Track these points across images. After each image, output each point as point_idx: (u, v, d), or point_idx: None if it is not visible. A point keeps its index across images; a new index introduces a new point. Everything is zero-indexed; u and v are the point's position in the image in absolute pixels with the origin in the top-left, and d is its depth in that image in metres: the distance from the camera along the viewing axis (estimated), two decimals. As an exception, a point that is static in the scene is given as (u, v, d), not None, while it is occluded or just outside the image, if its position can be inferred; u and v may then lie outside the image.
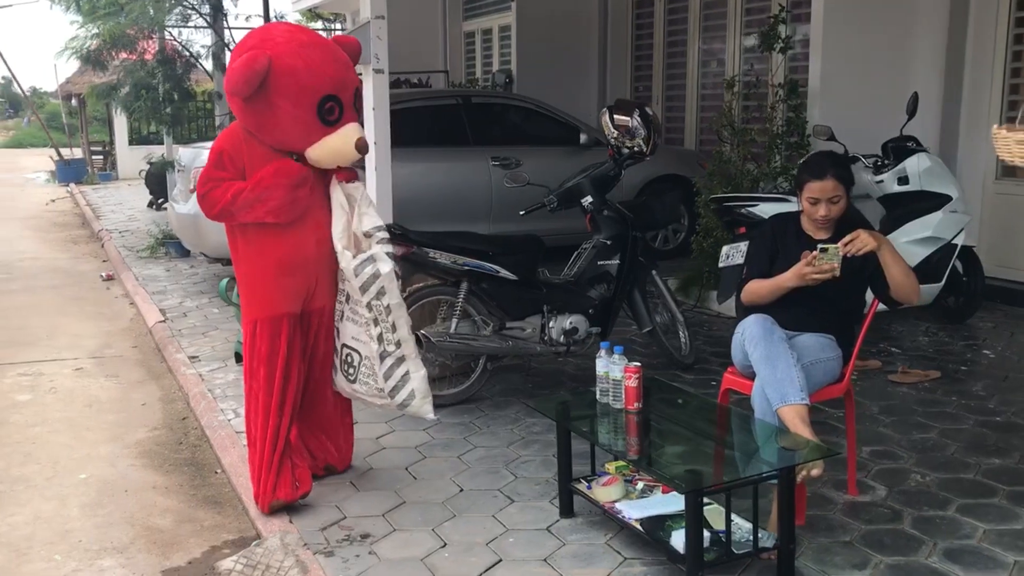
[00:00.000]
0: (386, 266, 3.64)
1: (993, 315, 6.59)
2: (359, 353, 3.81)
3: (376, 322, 3.69)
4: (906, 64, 7.23)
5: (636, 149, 5.24)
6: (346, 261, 3.64)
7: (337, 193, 3.72)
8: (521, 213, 5.48)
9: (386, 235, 3.72)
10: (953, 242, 6.01)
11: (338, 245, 3.66)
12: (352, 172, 3.81)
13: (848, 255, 3.38)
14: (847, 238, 3.39)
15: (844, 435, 3.94)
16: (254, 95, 3.49)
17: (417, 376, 3.77)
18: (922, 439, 4.35)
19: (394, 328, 3.70)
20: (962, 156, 7.10)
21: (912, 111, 6.18)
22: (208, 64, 10.24)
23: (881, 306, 3.74)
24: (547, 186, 5.46)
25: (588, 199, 5.26)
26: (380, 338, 3.70)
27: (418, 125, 8.11)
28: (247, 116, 3.59)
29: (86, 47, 9.61)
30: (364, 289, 3.65)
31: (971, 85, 7.11)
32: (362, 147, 3.69)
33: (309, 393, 3.90)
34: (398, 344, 3.72)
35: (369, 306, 3.68)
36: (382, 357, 3.71)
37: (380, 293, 3.64)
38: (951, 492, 3.75)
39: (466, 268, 4.78)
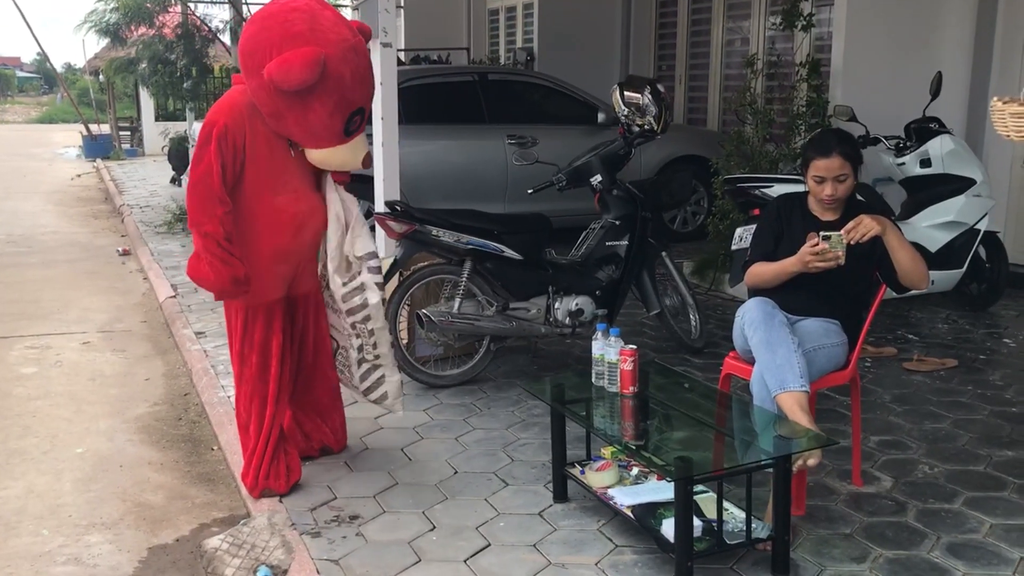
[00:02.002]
0: (374, 297, 3.63)
1: (1017, 303, 6.41)
2: (336, 341, 3.87)
3: (358, 336, 3.75)
4: (932, 43, 7.02)
5: (647, 127, 5.11)
6: (336, 286, 3.63)
7: (335, 201, 3.64)
8: (530, 192, 5.39)
9: (378, 263, 3.67)
10: (976, 227, 5.86)
11: (330, 266, 3.62)
12: (345, 175, 3.72)
13: (852, 243, 3.26)
14: (850, 225, 3.27)
15: (851, 423, 3.82)
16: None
17: (392, 380, 3.85)
18: (933, 429, 4.22)
19: (375, 346, 3.76)
20: (989, 139, 6.89)
21: (936, 91, 6.01)
22: (227, 39, 10.18)
23: (900, 294, 3.61)
24: (557, 164, 5.36)
25: (597, 178, 5.15)
26: (360, 348, 3.76)
27: (433, 102, 8.03)
28: (271, 101, 3.35)
29: (105, 20, 9.58)
30: (351, 313, 3.69)
31: (1000, 65, 6.89)
32: (368, 163, 3.67)
33: (304, 377, 3.85)
34: (376, 357, 3.79)
35: (353, 326, 3.72)
36: (359, 363, 3.79)
37: (366, 319, 3.67)
38: (959, 484, 3.63)
39: (470, 247, 4.70)
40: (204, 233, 3.34)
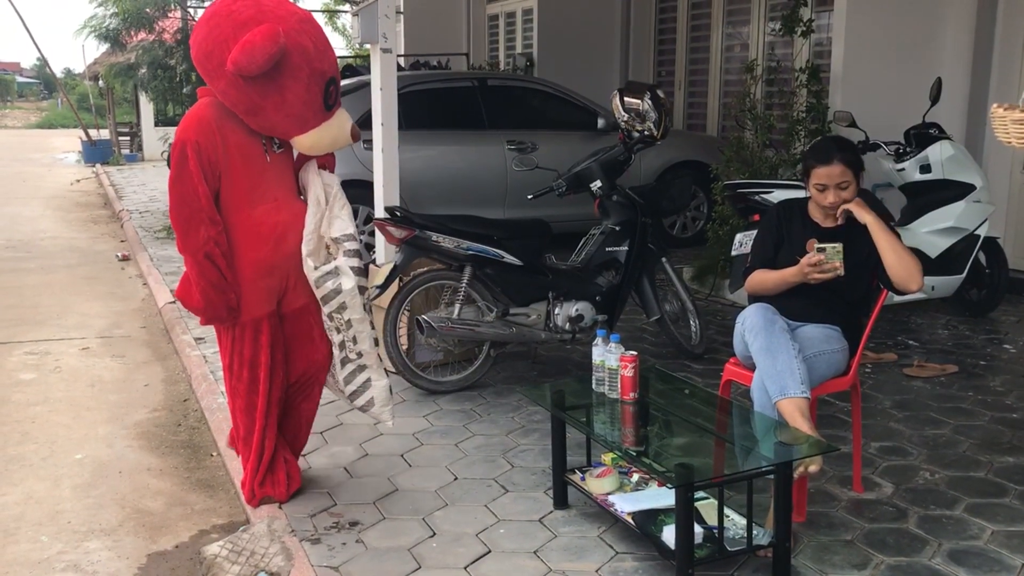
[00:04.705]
0: (349, 282, 3.44)
1: (1017, 309, 6.41)
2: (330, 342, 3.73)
3: (337, 331, 3.58)
4: (931, 49, 7.03)
5: (647, 133, 5.12)
6: (308, 270, 3.45)
7: (316, 185, 3.52)
8: (529, 197, 5.38)
9: (355, 246, 3.49)
10: (976, 233, 5.86)
11: (304, 249, 3.45)
12: (331, 157, 3.67)
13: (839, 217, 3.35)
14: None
15: (851, 429, 3.81)
16: (263, 74, 3.21)
17: (378, 385, 3.67)
18: (934, 435, 4.22)
19: (355, 341, 3.58)
20: (988, 144, 6.89)
21: (935, 97, 6.02)
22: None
23: (900, 298, 3.60)
24: (557, 170, 5.36)
25: (597, 184, 5.15)
26: (342, 345, 3.59)
27: (433, 107, 8.04)
28: (244, 95, 3.27)
29: (104, 26, 9.59)
30: (325, 301, 3.50)
31: (999, 71, 6.89)
32: (356, 134, 3.57)
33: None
34: (359, 355, 3.61)
35: (331, 316, 3.55)
36: (343, 363, 3.62)
37: (341, 308, 3.48)
38: (960, 491, 3.62)
39: (470, 252, 4.69)
40: (202, 258, 3.27)
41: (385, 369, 3.74)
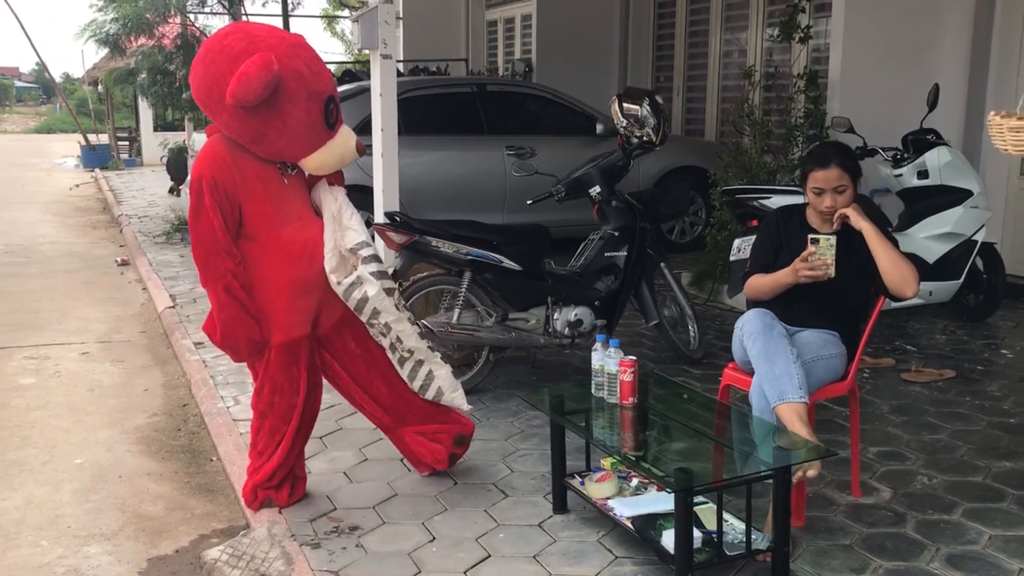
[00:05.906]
0: (373, 288, 3.47)
1: (1014, 314, 6.43)
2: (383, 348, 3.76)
3: (382, 335, 3.62)
4: (929, 55, 7.06)
5: (645, 139, 5.13)
6: (334, 286, 3.49)
7: (330, 202, 3.57)
8: (528, 203, 5.39)
9: (371, 251, 3.52)
10: (973, 238, 5.88)
11: (327, 266, 3.48)
12: (339, 173, 3.70)
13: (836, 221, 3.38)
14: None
15: (850, 434, 3.83)
16: (262, 102, 3.25)
17: (440, 374, 3.71)
18: (932, 440, 4.23)
19: (400, 340, 3.63)
20: (986, 151, 6.92)
21: (933, 103, 6.04)
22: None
23: (898, 303, 3.61)
24: (556, 175, 5.38)
25: (596, 189, 5.17)
26: (392, 347, 3.63)
27: (432, 113, 8.07)
28: (246, 125, 3.32)
29: (104, 31, 9.61)
30: (359, 311, 3.54)
31: (997, 77, 6.93)
32: (361, 149, 3.63)
33: (397, 399, 3.74)
34: (410, 352, 3.66)
35: (370, 324, 3.59)
36: (400, 363, 3.66)
37: (375, 313, 3.52)
38: (958, 495, 3.64)
39: (469, 257, 4.70)
40: (221, 290, 3.33)
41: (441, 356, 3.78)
